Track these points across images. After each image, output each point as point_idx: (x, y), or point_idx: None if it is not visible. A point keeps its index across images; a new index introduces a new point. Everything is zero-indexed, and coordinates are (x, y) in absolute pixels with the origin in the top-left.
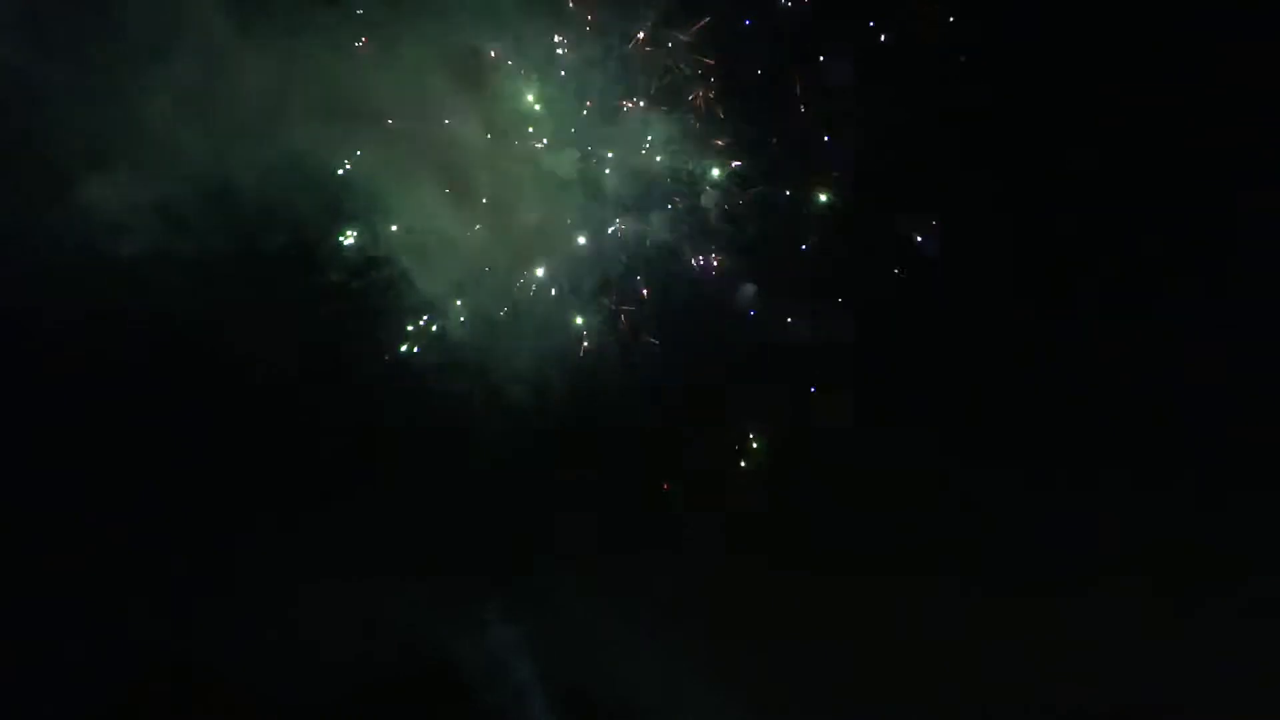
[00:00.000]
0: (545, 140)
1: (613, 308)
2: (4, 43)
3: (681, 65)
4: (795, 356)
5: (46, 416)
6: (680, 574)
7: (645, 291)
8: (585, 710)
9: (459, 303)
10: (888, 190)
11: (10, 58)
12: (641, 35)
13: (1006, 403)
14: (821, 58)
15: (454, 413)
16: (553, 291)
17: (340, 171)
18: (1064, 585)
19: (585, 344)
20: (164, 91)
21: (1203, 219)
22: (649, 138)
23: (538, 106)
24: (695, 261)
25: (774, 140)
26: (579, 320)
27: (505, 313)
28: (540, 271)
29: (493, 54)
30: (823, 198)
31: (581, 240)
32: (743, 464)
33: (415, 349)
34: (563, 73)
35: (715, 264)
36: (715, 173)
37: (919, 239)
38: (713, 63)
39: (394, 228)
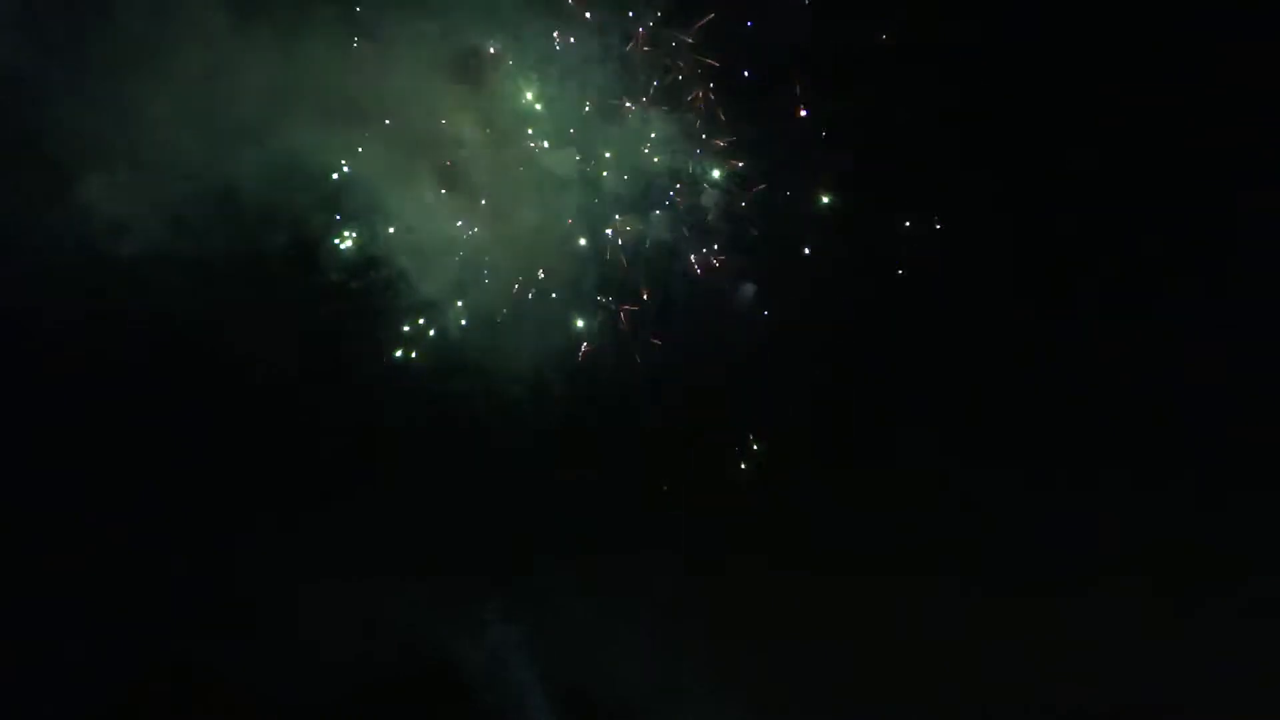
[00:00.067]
0: (545, 140)
1: (613, 308)
2: (4, 43)
3: (680, 64)
4: (795, 356)
5: (46, 416)
6: (680, 574)
7: (645, 291)
8: (585, 710)
9: (460, 304)
10: (888, 190)
11: (10, 58)
12: (641, 34)
13: (1006, 403)
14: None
15: (454, 413)
16: (553, 293)
17: (335, 177)
18: (1064, 585)
19: (585, 344)
20: (163, 91)
21: (1203, 219)
22: (650, 137)
23: (538, 106)
24: (695, 261)
25: (774, 140)
26: (579, 320)
27: (505, 313)
28: (540, 271)
29: (492, 51)
30: (823, 198)
31: (581, 240)
32: (742, 464)
33: (413, 354)
34: (562, 72)
35: (715, 264)
36: (716, 174)
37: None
38: (713, 63)
39: (393, 228)
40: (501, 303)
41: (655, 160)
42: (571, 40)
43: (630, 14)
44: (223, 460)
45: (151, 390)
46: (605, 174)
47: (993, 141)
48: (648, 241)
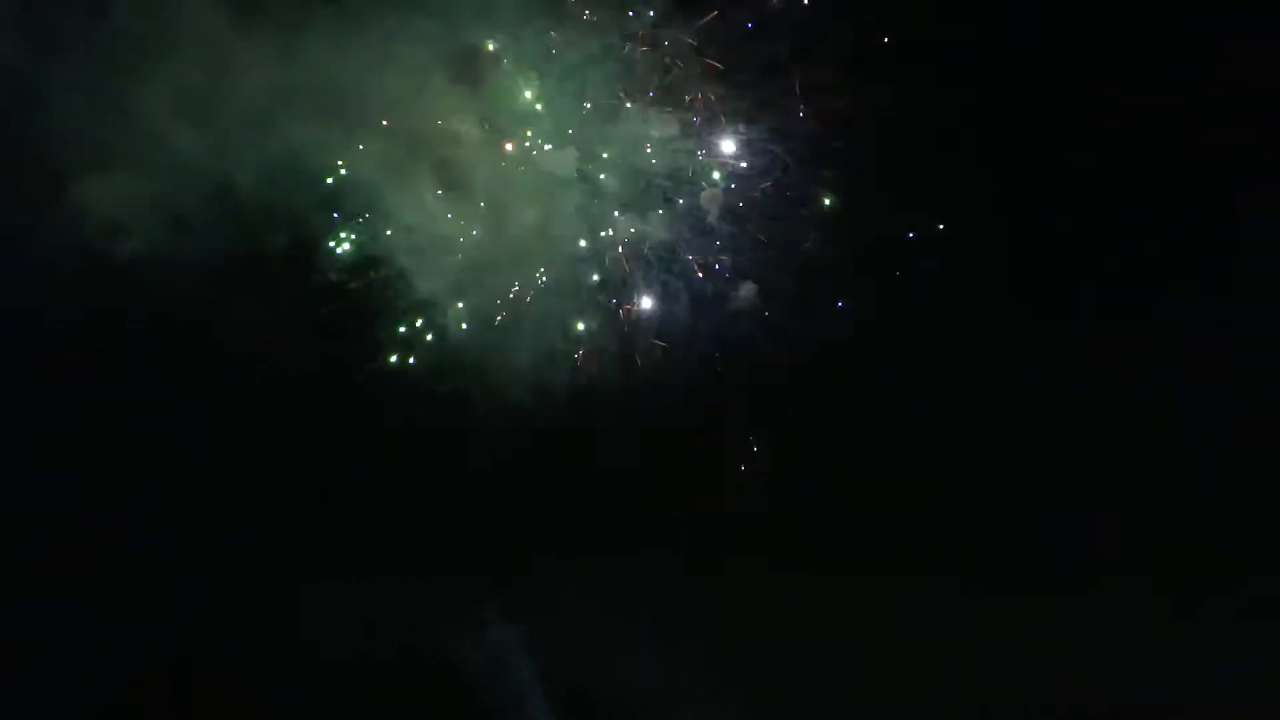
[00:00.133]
0: (544, 140)
1: (613, 307)
2: (4, 43)
3: (680, 64)
4: (795, 356)
5: (46, 416)
6: (680, 574)
7: (645, 291)
8: (585, 710)
9: (460, 305)
10: (888, 190)
11: (10, 58)
12: (641, 34)
13: (1006, 403)
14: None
15: (454, 413)
16: (553, 293)
17: (329, 182)
18: (1064, 585)
19: (585, 344)
20: (163, 92)
21: (1203, 219)
22: (649, 137)
23: (539, 106)
24: (695, 261)
25: (774, 140)
26: (579, 320)
27: (505, 313)
28: (540, 272)
29: (490, 47)
30: (824, 198)
31: (581, 241)
32: (742, 465)
33: (411, 357)
34: (562, 71)
35: (715, 264)
36: (716, 174)
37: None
38: (713, 62)
39: (392, 229)
40: (501, 303)
41: (655, 160)
42: (571, 40)
43: (630, 14)
44: (223, 460)
45: (151, 390)
46: (605, 174)
47: (993, 141)
48: (647, 244)
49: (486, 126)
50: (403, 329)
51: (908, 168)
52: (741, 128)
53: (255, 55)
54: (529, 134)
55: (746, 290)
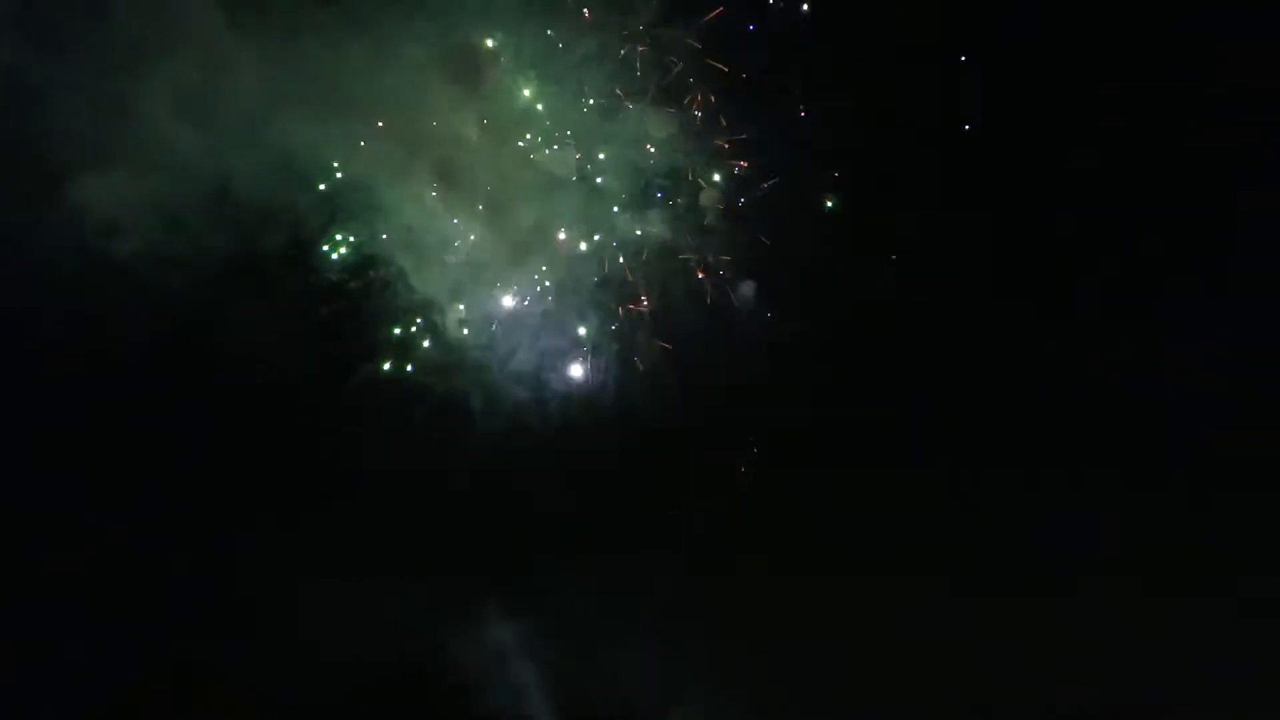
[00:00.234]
0: (543, 139)
1: (613, 307)
2: (4, 43)
3: (680, 63)
4: (795, 356)
5: (46, 416)
6: (680, 574)
7: (645, 291)
8: (585, 710)
9: (460, 306)
10: (888, 190)
11: (10, 58)
12: (641, 34)
13: (1006, 403)
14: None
15: (453, 413)
16: (552, 293)
17: (328, 182)
18: (1064, 585)
19: (585, 345)
20: (162, 92)
21: (1203, 219)
22: (649, 136)
23: (539, 106)
24: (695, 261)
25: (774, 140)
26: (578, 320)
27: (505, 313)
28: (539, 271)
29: (489, 44)
30: (824, 198)
31: (581, 241)
32: (742, 465)
33: (411, 357)
34: (561, 71)
35: (715, 264)
36: (716, 175)
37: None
38: (714, 62)
39: (391, 229)
40: (501, 303)
41: (655, 160)
42: (570, 39)
43: (630, 13)
44: (222, 460)
45: (150, 390)
46: (605, 174)
47: (993, 141)
48: (646, 246)
49: (486, 124)
50: (401, 330)
51: (907, 167)
52: (741, 128)
53: (254, 55)
54: (528, 134)
55: (746, 290)
